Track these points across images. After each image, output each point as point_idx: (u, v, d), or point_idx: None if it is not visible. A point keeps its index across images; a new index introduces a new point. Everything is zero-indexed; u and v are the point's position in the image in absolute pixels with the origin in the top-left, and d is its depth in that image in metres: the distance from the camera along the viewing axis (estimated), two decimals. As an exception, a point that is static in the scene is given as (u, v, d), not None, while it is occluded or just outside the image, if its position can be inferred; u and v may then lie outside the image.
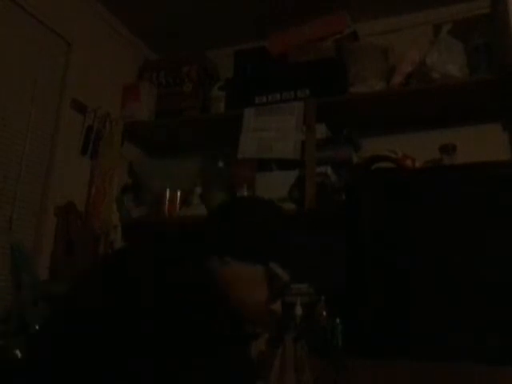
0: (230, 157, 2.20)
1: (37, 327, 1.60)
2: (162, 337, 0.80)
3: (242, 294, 0.99)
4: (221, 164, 2.27)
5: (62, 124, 2.11)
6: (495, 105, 2.00)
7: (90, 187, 2.21)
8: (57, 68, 2.13)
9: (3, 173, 1.87)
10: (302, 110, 2.09)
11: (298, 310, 1.80)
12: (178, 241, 1.04)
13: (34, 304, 1.71)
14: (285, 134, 2.08)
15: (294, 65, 2.26)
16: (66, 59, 2.16)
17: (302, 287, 1.90)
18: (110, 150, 2.27)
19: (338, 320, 1.67)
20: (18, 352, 1.50)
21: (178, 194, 2.27)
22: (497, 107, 2.01)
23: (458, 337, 1.48)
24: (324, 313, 1.75)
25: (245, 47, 2.44)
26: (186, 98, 2.42)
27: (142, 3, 2.32)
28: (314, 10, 2.24)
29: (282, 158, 2.06)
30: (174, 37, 2.54)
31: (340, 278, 1.67)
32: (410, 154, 1.94)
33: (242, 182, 2.09)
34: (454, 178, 1.67)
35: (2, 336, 1.60)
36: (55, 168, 2.06)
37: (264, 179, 2.06)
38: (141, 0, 2.31)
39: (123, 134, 2.34)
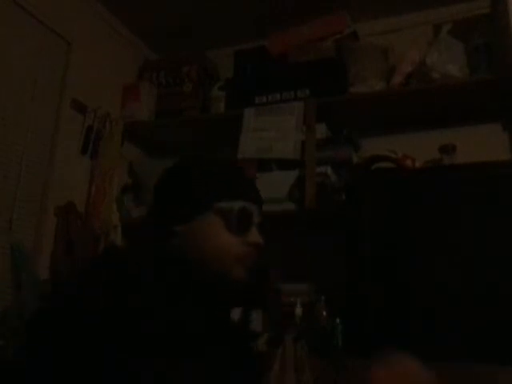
0: (230, 157, 2.20)
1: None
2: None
3: (204, 248, 0.92)
4: (221, 164, 2.27)
5: (62, 124, 2.11)
6: (495, 105, 2.00)
7: (90, 187, 2.21)
8: (57, 68, 2.13)
9: (3, 173, 1.87)
10: (301, 110, 2.09)
11: (298, 310, 1.80)
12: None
13: (34, 304, 1.71)
14: (285, 134, 2.08)
15: (294, 65, 2.25)
16: (65, 59, 2.16)
17: (302, 287, 1.90)
18: (110, 150, 2.27)
19: (338, 320, 1.67)
20: (17, 352, 1.50)
21: (178, 193, 2.26)
22: (497, 107, 2.01)
23: (457, 337, 1.48)
24: (324, 313, 1.75)
25: (245, 47, 2.44)
26: (186, 97, 2.42)
27: (142, 3, 2.32)
28: (314, 9, 2.24)
29: (282, 158, 2.06)
30: (174, 37, 2.54)
31: (340, 278, 1.67)
32: (410, 154, 1.94)
33: (242, 182, 2.09)
34: (453, 178, 1.67)
35: (2, 336, 1.59)
36: (55, 168, 2.06)
37: (264, 179, 2.06)
38: (141, 0, 2.31)
39: (123, 134, 2.34)
